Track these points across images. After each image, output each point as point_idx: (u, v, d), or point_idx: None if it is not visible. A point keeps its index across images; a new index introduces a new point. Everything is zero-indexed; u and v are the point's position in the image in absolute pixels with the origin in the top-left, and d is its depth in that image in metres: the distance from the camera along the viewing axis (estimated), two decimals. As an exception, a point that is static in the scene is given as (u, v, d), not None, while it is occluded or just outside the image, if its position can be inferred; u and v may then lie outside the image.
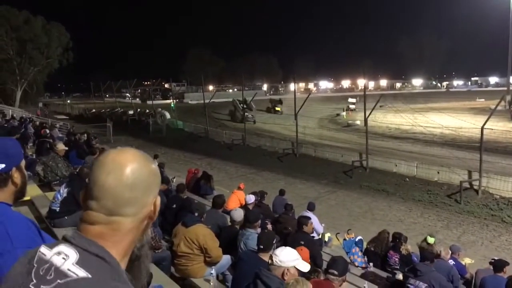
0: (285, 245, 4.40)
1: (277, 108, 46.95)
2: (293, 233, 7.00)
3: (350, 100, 51.20)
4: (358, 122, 34.21)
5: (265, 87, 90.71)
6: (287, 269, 3.45)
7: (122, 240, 1.03)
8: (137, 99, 69.41)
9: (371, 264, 7.69)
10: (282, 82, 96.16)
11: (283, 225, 7.90)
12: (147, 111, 41.83)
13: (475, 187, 15.25)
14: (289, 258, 3.51)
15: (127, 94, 67.00)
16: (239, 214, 6.60)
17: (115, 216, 1.02)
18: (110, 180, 1.01)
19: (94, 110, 49.21)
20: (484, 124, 15.42)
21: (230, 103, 42.80)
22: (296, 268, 3.53)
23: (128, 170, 1.02)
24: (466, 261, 8.16)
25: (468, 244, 11.42)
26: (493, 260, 6.87)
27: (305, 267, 3.61)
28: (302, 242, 6.19)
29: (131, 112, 43.30)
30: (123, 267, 1.02)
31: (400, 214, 14.17)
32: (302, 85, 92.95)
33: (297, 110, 23.43)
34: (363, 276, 7.03)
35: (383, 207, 14.91)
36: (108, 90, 54.38)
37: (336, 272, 4.10)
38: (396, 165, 18.39)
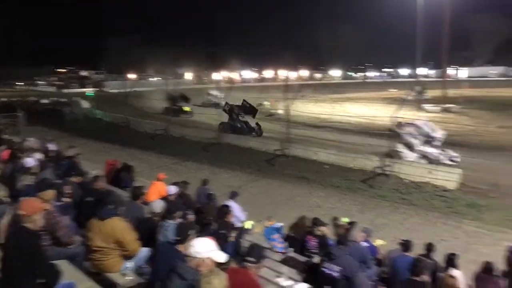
0: (206, 235, 4.41)
1: (185, 109, 36.82)
2: (214, 223, 7.02)
3: (212, 92, 43.56)
4: (280, 112, 34.89)
5: (189, 76, 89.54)
6: (203, 260, 3.45)
7: None
8: (53, 87, 65.54)
9: (291, 249, 7.92)
10: (206, 72, 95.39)
11: (204, 215, 7.88)
12: (63, 100, 39.67)
13: (387, 173, 16.24)
14: (204, 249, 3.51)
15: (41, 82, 62.92)
16: (158, 206, 6.49)
17: None
18: None
19: (5, 99, 45.67)
20: (395, 113, 16.44)
21: (155, 93, 40.83)
22: (213, 259, 3.54)
23: None
24: (378, 242, 8.68)
25: (380, 226, 12.12)
26: (402, 241, 7.36)
27: (221, 257, 3.63)
28: (223, 232, 6.23)
29: (45, 101, 40.79)
30: None
31: (320, 200, 14.72)
32: (225, 74, 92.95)
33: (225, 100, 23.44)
34: (283, 262, 7.22)
35: (304, 194, 15.39)
36: (20, 77, 50.69)
37: (252, 259, 4.17)
38: (316, 153, 19.07)
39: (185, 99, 38.06)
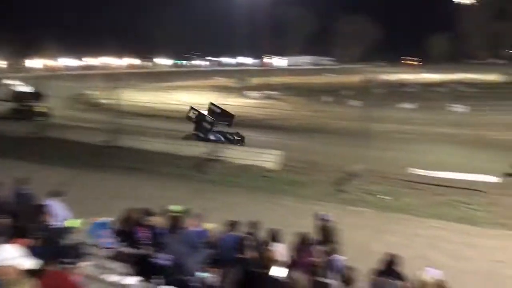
0: (17, 240, 4.03)
1: (38, 109, 28.07)
2: (30, 225, 6.42)
3: (9, 82, 33.56)
4: (106, 101, 33.19)
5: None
6: (6, 268, 3.14)
7: None
8: None
9: (121, 243, 7.71)
10: (20, 59, 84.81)
11: (19, 218, 7.15)
12: None
13: (216, 158, 16.94)
14: (8, 256, 3.20)
15: None
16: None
17: None
18: None
19: None
20: (223, 100, 17.20)
21: None
22: (18, 266, 3.24)
23: None
24: (209, 226, 9.02)
25: (212, 210, 12.53)
26: (229, 222, 7.80)
27: (28, 264, 3.35)
28: (39, 233, 5.75)
29: None
30: None
31: (152, 190, 14.55)
32: (43, 61, 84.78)
33: (42, 90, 21.38)
34: (113, 257, 7.01)
35: (135, 185, 15.05)
36: None
37: (70, 260, 3.96)
38: (146, 143, 18.84)
39: (37, 96, 29.16)
